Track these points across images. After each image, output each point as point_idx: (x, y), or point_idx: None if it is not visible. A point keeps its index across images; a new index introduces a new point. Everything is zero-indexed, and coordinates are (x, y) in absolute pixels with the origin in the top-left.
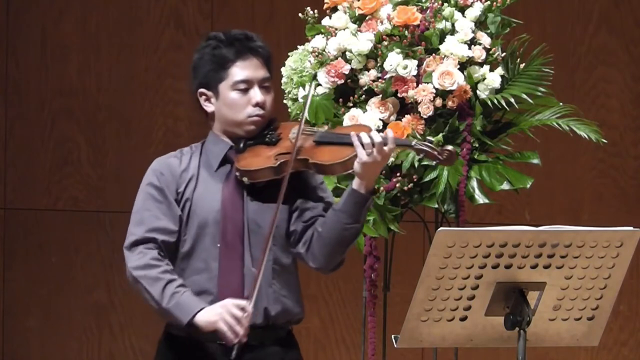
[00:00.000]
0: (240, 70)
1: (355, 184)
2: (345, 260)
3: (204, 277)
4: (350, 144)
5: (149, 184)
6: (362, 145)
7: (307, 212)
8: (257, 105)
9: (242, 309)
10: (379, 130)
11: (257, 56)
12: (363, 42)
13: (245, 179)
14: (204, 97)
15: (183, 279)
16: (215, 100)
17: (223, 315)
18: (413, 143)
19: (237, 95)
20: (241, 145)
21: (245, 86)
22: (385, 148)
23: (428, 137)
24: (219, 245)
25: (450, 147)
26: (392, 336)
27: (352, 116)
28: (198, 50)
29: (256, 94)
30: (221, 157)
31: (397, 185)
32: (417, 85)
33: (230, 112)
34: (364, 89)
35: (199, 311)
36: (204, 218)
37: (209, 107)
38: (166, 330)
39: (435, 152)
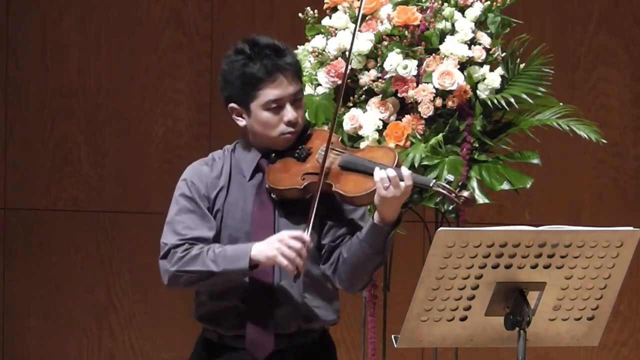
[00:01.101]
0: (270, 91)
1: (377, 217)
2: (372, 280)
3: (235, 293)
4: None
5: (181, 194)
6: (380, 179)
7: (335, 229)
8: (289, 123)
9: (300, 239)
10: (379, 131)
11: (286, 73)
12: (363, 42)
13: (273, 195)
14: (235, 112)
15: (215, 293)
16: (247, 117)
17: (281, 248)
18: (431, 184)
19: (269, 114)
20: (273, 156)
21: (276, 105)
22: (402, 184)
23: (447, 177)
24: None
25: (466, 193)
26: (392, 336)
27: (352, 116)
28: (226, 62)
29: (288, 112)
30: (253, 167)
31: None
32: (417, 85)
33: (263, 129)
34: (364, 89)
35: (251, 251)
36: (234, 230)
37: (240, 122)
38: (202, 335)
39: (453, 195)
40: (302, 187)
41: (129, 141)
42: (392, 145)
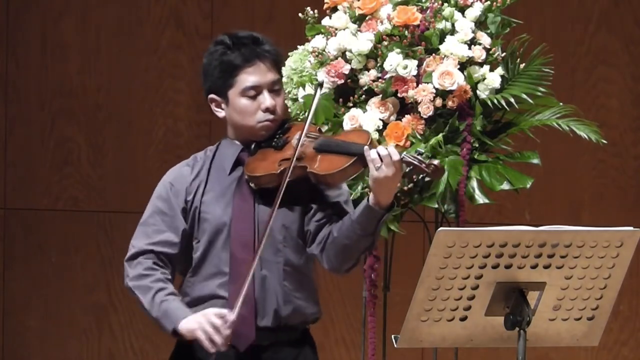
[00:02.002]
0: (248, 77)
1: (371, 199)
2: (359, 262)
3: (216, 283)
4: (348, 154)
5: (157, 196)
6: (372, 160)
7: (320, 212)
8: (267, 110)
9: (222, 318)
10: (379, 131)
11: (264, 60)
12: (363, 42)
13: (252, 185)
14: (214, 103)
15: (197, 284)
16: (226, 106)
17: (202, 324)
18: (401, 155)
19: (247, 101)
20: (252, 147)
21: (254, 92)
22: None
23: (418, 149)
24: (229, 250)
25: (435, 162)
26: (392, 336)
27: (352, 116)
28: (206, 54)
29: (265, 99)
30: (233, 160)
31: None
32: (417, 85)
33: (241, 118)
34: (364, 89)
35: (181, 320)
36: (215, 224)
37: (220, 113)
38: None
39: (423, 165)
40: (277, 172)
41: (129, 141)
42: (392, 145)
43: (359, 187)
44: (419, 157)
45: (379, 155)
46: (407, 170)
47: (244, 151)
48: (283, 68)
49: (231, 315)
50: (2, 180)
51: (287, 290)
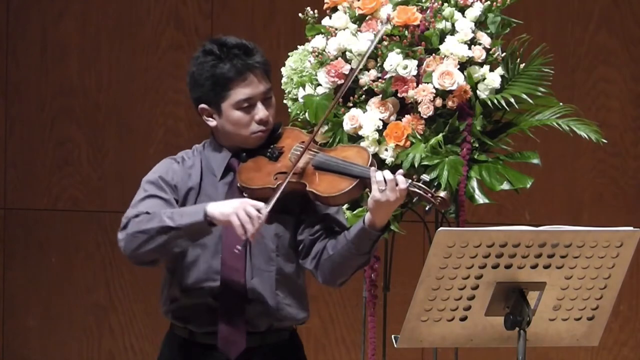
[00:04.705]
0: (242, 90)
1: (367, 220)
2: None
3: (207, 290)
4: (350, 175)
5: (148, 181)
6: (377, 182)
7: (314, 225)
8: (260, 121)
9: (258, 210)
10: (379, 131)
11: (256, 71)
12: (363, 42)
13: (245, 194)
14: (205, 113)
15: (186, 290)
16: (218, 117)
17: (238, 210)
18: (408, 184)
19: (241, 113)
20: (243, 154)
21: (248, 104)
22: (397, 188)
23: (423, 177)
24: (220, 257)
25: (443, 194)
26: (392, 336)
27: (352, 116)
28: (195, 63)
29: (259, 111)
30: (224, 166)
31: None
32: (417, 85)
33: (235, 129)
34: (364, 89)
35: (208, 205)
36: None
37: (211, 122)
38: (169, 331)
39: (429, 196)
40: (274, 186)
41: (129, 141)
42: (392, 145)
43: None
44: (424, 187)
45: (384, 179)
46: (413, 200)
47: (233, 157)
48: (283, 68)
49: (265, 210)
50: (2, 180)
51: (279, 298)
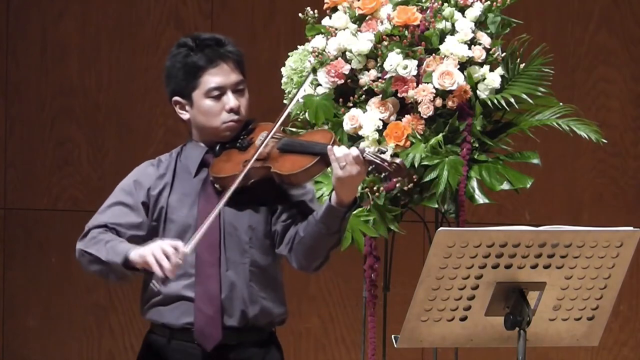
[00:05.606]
0: (212, 78)
1: (333, 199)
2: (329, 259)
3: (182, 284)
4: (311, 153)
5: (120, 188)
6: (335, 159)
7: (286, 212)
8: (231, 110)
9: (175, 248)
10: (379, 131)
11: (227, 61)
12: (363, 42)
13: (217, 186)
14: (178, 105)
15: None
16: (190, 108)
17: (154, 249)
18: (364, 153)
19: (211, 102)
20: (217, 148)
21: (218, 93)
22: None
23: (380, 147)
24: (195, 251)
25: (398, 160)
26: (392, 336)
27: (352, 116)
28: (169, 57)
29: (229, 100)
30: (198, 162)
31: (397, 185)
32: (417, 85)
33: (206, 119)
34: (364, 89)
35: (131, 249)
36: (180, 225)
37: (184, 115)
38: (148, 332)
39: (385, 164)
40: (241, 173)
41: (129, 141)
42: (392, 145)
43: (325, 189)
44: (381, 155)
45: (342, 154)
46: (369, 169)
47: (208, 153)
48: (283, 68)
49: (184, 248)
50: (2, 180)
51: (254, 291)
